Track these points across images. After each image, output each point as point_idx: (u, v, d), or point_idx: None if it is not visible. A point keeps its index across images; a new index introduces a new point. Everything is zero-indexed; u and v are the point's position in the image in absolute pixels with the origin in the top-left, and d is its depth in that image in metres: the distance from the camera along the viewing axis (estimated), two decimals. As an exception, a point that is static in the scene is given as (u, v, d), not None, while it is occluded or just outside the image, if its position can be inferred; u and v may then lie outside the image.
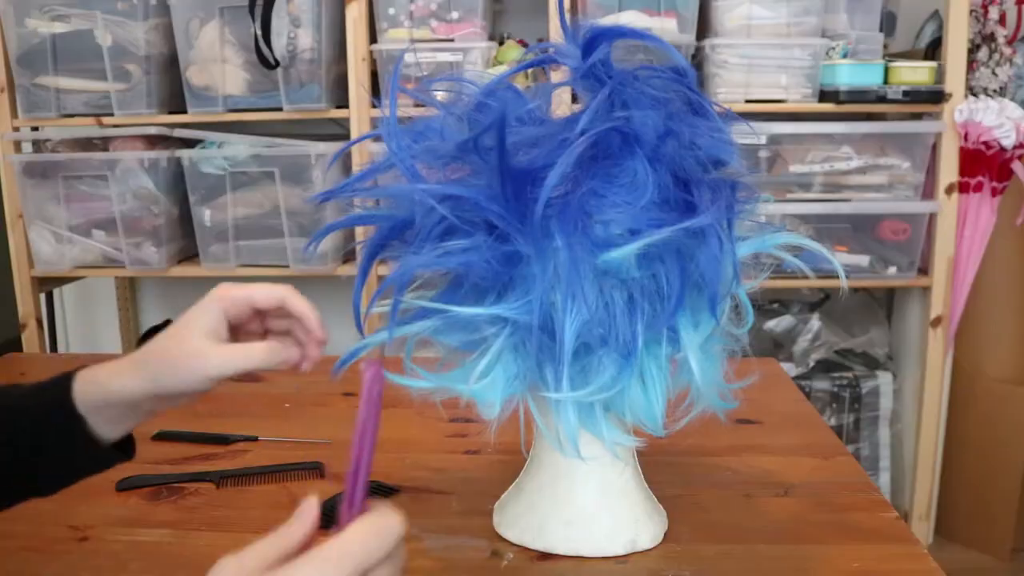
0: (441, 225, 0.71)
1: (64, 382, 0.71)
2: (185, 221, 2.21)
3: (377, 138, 0.78)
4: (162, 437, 1.14)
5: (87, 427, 0.70)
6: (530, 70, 1.88)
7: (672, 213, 0.72)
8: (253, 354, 0.70)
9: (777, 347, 2.39)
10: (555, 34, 2.04)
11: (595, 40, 0.74)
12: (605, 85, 0.73)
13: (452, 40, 2.08)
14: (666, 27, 2.04)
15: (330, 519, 0.93)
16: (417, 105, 0.82)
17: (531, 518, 0.85)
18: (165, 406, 0.72)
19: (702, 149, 0.75)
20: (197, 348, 0.69)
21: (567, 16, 2.01)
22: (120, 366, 0.70)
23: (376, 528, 0.49)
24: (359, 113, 2.10)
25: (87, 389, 0.70)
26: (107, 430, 0.70)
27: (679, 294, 0.73)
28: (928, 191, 2.13)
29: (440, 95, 0.82)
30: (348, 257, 2.21)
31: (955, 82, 2.04)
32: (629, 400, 0.77)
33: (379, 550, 0.48)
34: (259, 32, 2.00)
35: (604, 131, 0.71)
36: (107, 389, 0.70)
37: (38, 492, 0.72)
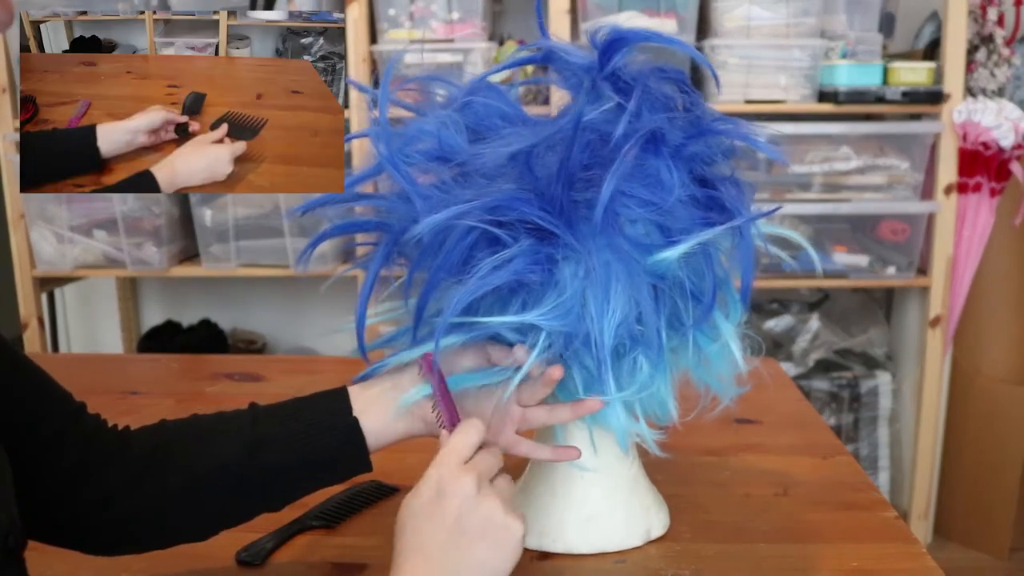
0: (471, 236, 0.69)
1: (340, 392, 0.76)
2: (186, 221, 2.21)
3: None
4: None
5: (360, 429, 0.74)
6: (530, 69, 1.88)
7: (702, 210, 0.74)
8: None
9: (777, 347, 2.39)
10: (556, 34, 2.04)
11: (614, 44, 0.74)
12: (630, 89, 0.72)
13: (452, 41, 2.08)
14: (666, 28, 2.05)
15: (331, 518, 0.94)
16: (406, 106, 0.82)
17: (547, 521, 0.85)
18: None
19: (718, 148, 0.76)
20: None
21: (568, 17, 2.01)
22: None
23: (462, 430, 0.68)
24: (359, 114, 2.10)
25: (361, 388, 0.76)
26: (372, 432, 0.75)
27: (713, 289, 0.75)
28: (927, 191, 2.13)
29: (417, 96, 0.81)
30: (348, 257, 2.22)
31: (954, 83, 2.04)
32: (656, 395, 0.78)
33: (470, 442, 0.67)
34: (260, 33, 2.00)
35: (636, 134, 0.71)
36: (385, 380, 0.76)
37: (274, 503, 0.77)
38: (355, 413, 0.74)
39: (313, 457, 0.74)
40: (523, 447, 0.79)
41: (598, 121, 0.72)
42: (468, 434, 0.67)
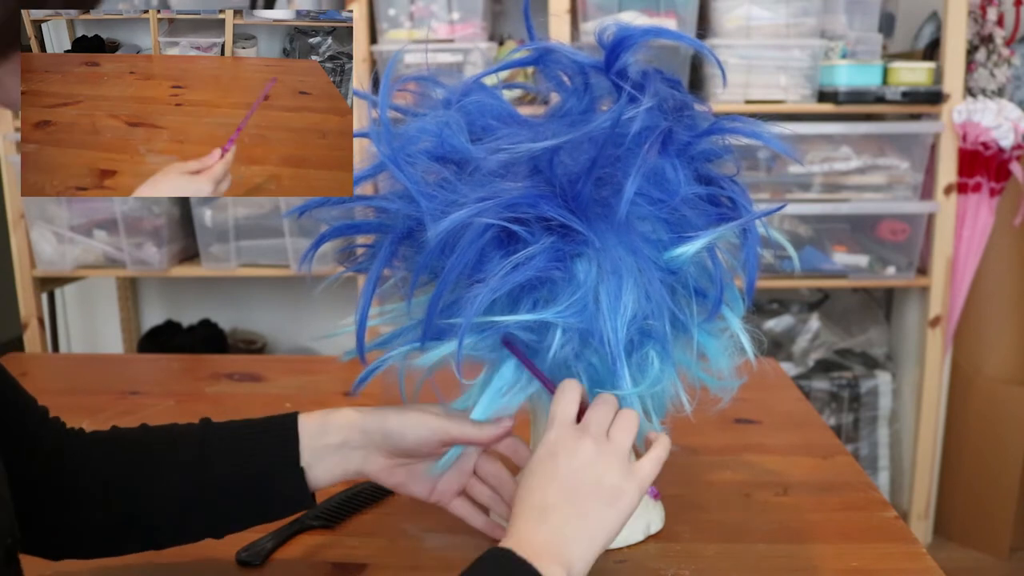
0: (487, 234, 0.69)
1: (289, 421, 0.75)
2: (186, 221, 2.21)
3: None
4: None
5: (304, 474, 0.74)
6: (530, 69, 1.87)
7: (710, 207, 0.75)
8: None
9: (777, 347, 2.39)
10: (556, 34, 2.04)
11: (622, 42, 0.74)
12: (639, 87, 0.73)
13: (452, 41, 2.08)
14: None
15: (331, 518, 0.94)
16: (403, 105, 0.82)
17: None
18: (376, 459, 0.76)
19: (721, 146, 0.77)
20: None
21: (568, 17, 2.01)
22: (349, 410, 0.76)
23: (560, 393, 0.71)
24: (359, 114, 2.10)
25: (308, 422, 0.75)
26: (317, 474, 0.75)
27: (720, 285, 0.76)
28: (927, 191, 2.13)
29: (412, 96, 0.81)
30: (345, 259, 2.22)
31: (953, 83, 2.04)
32: (666, 390, 0.79)
33: (571, 401, 0.70)
34: (260, 33, 2.00)
35: (648, 131, 0.71)
36: (327, 419, 0.75)
37: (218, 533, 0.76)
38: (303, 463, 0.74)
39: (259, 505, 0.75)
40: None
41: (607, 119, 0.72)
42: (567, 394, 0.70)
